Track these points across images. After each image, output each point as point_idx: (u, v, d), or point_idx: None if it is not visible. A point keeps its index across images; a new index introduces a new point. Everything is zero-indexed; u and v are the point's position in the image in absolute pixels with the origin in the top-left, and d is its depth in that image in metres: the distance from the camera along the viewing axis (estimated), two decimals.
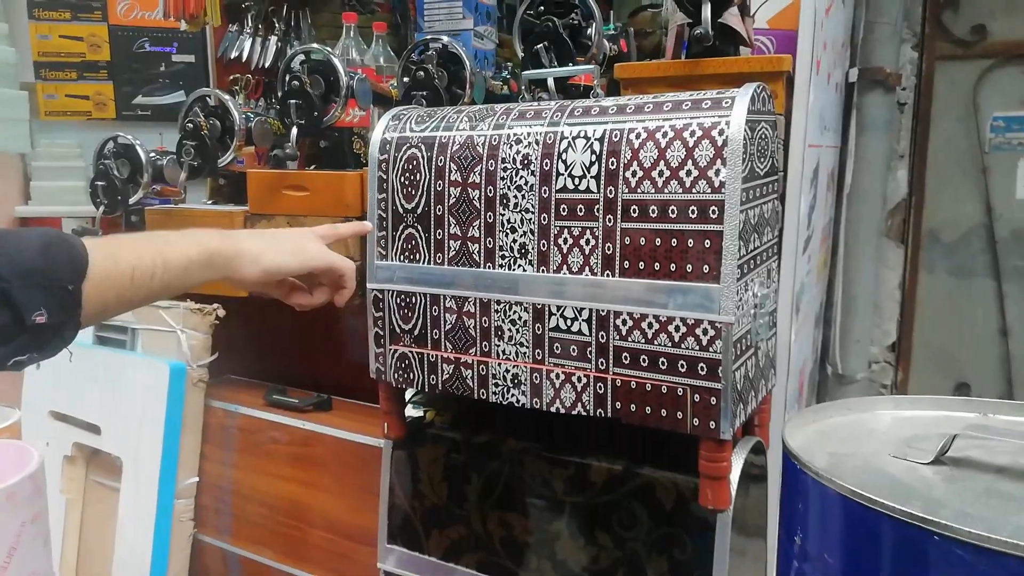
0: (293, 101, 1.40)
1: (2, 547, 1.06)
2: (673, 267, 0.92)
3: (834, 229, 1.89)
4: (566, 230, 0.99)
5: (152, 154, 1.64)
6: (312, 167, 1.48)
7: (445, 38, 1.42)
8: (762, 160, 0.97)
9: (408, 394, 1.30)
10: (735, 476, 0.99)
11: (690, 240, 0.91)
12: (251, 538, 1.53)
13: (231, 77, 1.98)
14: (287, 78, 1.40)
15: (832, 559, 0.40)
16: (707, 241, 0.90)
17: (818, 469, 0.42)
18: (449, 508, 1.22)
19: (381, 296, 1.18)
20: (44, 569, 1.16)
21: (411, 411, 1.29)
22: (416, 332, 1.15)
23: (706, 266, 0.90)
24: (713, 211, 0.89)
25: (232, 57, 2.01)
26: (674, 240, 0.92)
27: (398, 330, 1.17)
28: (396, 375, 1.18)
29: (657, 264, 0.93)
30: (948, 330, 1.96)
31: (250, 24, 2.00)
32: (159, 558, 1.51)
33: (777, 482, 1.25)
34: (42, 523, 1.15)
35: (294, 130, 1.41)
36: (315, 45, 1.45)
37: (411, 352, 1.16)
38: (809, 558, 0.41)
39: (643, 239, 0.94)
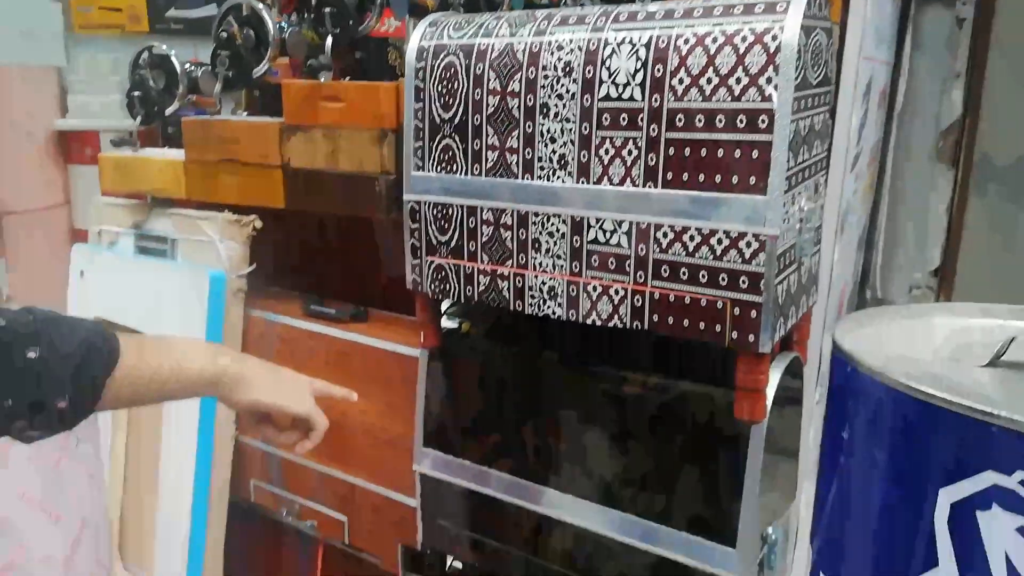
0: (328, 10, 1.37)
1: (56, 439, 1.11)
2: (719, 178, 0.90)
3: (882, 150, 1.83)
4: (608, 140, 0.97)
5: (187, 65, 1.63)
6: (347, 78, 1.45)
7: None
8: (815, 69, 0.94)
9: (444, 306, 1.31)
10: (771, 390, 0.99)
11: (737, 151, 0.88)
12: None
13: None
14: None
15: (881, 454, 0.40)
16: (755, 152, 0.87)
17: (871, 364, 0.42)
18: (483, 416, 1.24)
19: (417, 208, 1.17)
20: (94, 463, 1.21)
21: (447, 323, 1.31)
22: (453, 244, 1.15)
23: (753, 178, 0.88)
24: (763, 120, 0.86)
25: None
26: (720, 151, 0.89)
27: (434, 242, 1.17)
28: (432, 286, 1.19)
29: (702, 175, 0.91)
30: (995, 257, 1.90)
31: None
32: (203, 459, 1.57)
33: (812, 401, 1.25)
34: (91, 424, 1.20)
35: (329, 40, 1.39)
36: None
37: (447, 264, 1.16)
38: (856, 454, 0.41)
39: (688, 149, 0.91)
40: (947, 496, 0.37)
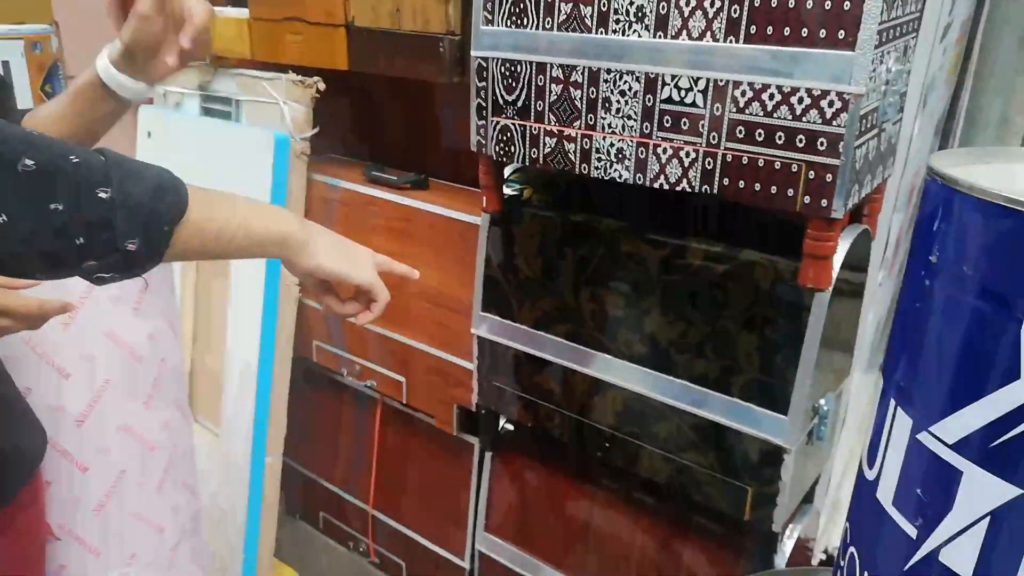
0: None
1: (136, 284, 1.16)
2: (805, 32, 0.86)
3: (971, 30, 1.72)
4: None
5: None
6: None
7: None
8: None
9: (506, 172, 1.31)
10: (839, 258, 0.98)
11: (827, 2, 0.84)
12: None
13: None
14: None
15: (971, 269, 0.40)
16: (846, 3, 0.83)
17: (969, 183, 0.41)
18: (542, 282, 1.26)
19: (485, 65, 1.15)
20: (170, 310, 1.27)
21: (508, 190, 1.31)
22: (519, 104, 1.14)
23: (842, 31, 0.84)
24: None
25: None
26: (810, 1, 0.85)
27: (501, 101, 1.16)
28: (497, 148, 1.19)
29: (788, 28, 0.87)
30: None
31: None
32: (269, 317, 1.63)
33: (875, 282, 1.24)
34: (166, 268, 1.25)
35: None
36: None
37: (513, 124, 1.15)
38: (943, 272, 0.41)
39: (774, 1, 0.87)
40: None
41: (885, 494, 0.48)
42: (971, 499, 0.43)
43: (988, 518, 0.43)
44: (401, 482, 1.73)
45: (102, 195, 0.62)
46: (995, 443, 0.41)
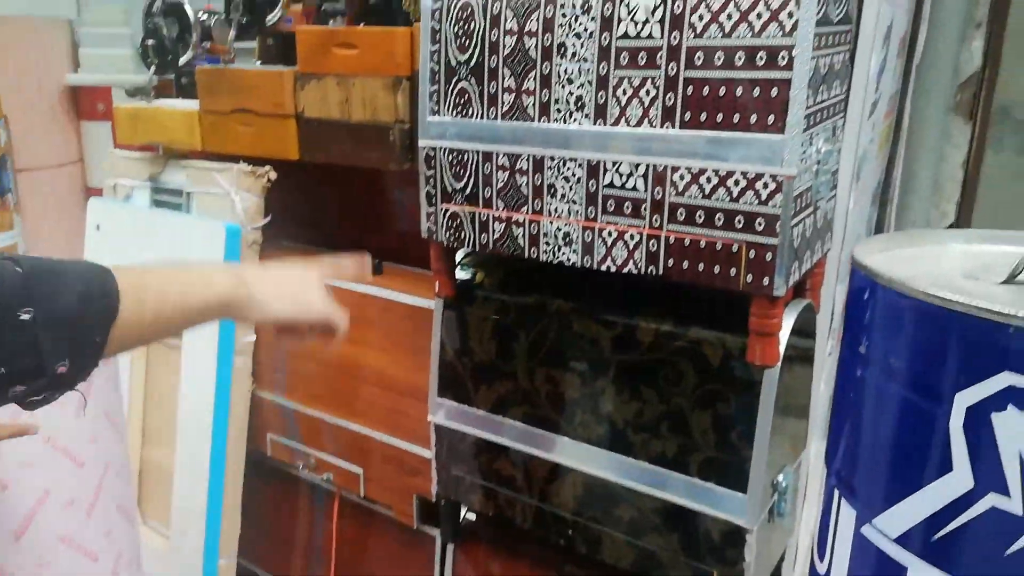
0: None
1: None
2: (737, 118, 0.89)
3: (900, 102, 1.80)
4: (626, 80, 0.96)
5: (200, 13, 1.62)
6: (361, 24, 1.44)
7: None
8: (837, 5, 0.92)
9: (458, 257, 1.32)
10: (785, 334, 1.00)
11: (756, 89, 0.88)
12: (306, 394, 1.60)
13: None
14: None
15: (899, 362, 0.40)
16: (774, 90, 0.87)
17: (890, 276, 0.42)
18: (497, 365, 1.25)
19: (433, 154, 1.17)
20: (115, 409, 1.23)
21: (460, 274, 1.31)
22: (468, 191, 1.15)
23: (771, 116, 0.87)
24: (783, 57, 0.85)
25: None
26: (739, 89, 0.88)
27: (450, 189, 1.17)
28: (447, 234, 1.19)
29: (720, 115, 0.90)
30: (1011, 212, 1.89)
31: None
32: (221, 411, 1.59)
33: (824, 351, 1.26)
34: (112, 368, 1.21)
35: None
36: None
37: (462, 211, 1.16)
38: (872, 363, 0.41)
39: (707, 88, 0.91)
40: (963, 400, 0.37)
41: None
42: None
43: None
44: None
45: (24, 316, 0.57)
46: (937, 536, 0.40)
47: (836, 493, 0.46)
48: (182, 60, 1.60)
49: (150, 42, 1.59)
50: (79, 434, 1.13)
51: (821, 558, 0.48)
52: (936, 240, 0.52)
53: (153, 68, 1.61)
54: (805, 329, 1.11)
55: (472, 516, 1.45)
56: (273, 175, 1.55)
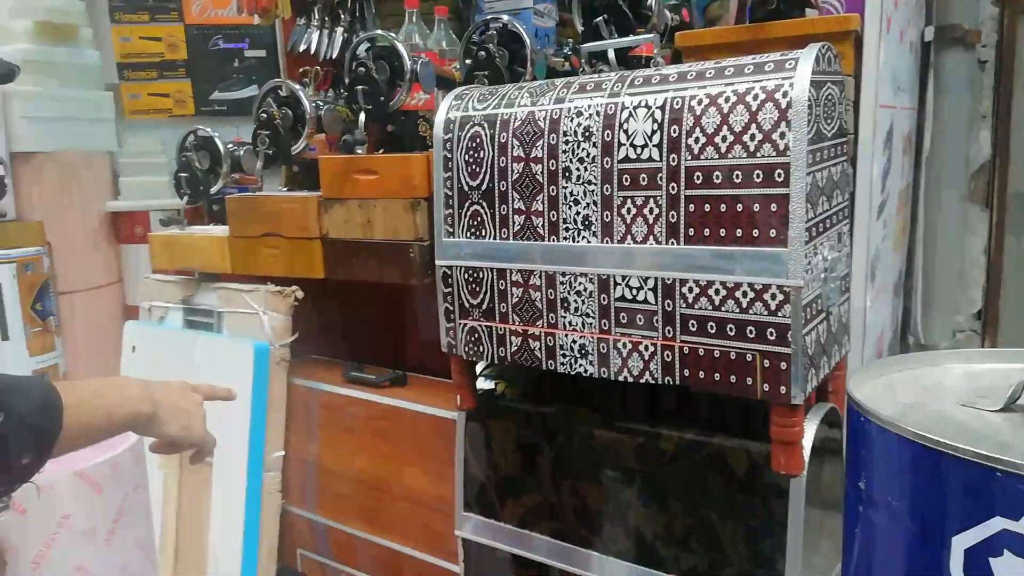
0: (360, 87, 1.44)
1: (109, 515, 1.14)
2: (739, 232, 0.92)
3: (913, 194, 1.82)
4: (629, 200, 1.00)
5: (230, 145, 1.71)
6: (381, 151, 1.52)
7: (505, 17, 1.43)
8: (829, 122, 0.96)
9: (479, 367, 1.34)
10: (808, 441, 0.99)
11: (756, 205, 0.90)
12: (335, 509, 1.60)
13: (300, 70, 2.04)
14: (353, 65, 1.44)
15: (897, 502, 0.40)
16: (773, 205, 0.89)
17: (882, 416, 0.43)
18: (522, 478, 1.24)
19: (450, 272, 1.21)
20: (146, 536, 1.24)
21: (483, 383, 1.33)
22: (484, 306, 1.18)
23: (773, 230, 0.89)
24: (779, 174, 0.88)
25: (301, 50, 2.07)
26: (739, 205, 0.91)
27: (467, 305, 1.20)
28: (466, 348, 1.22)
29: (723, 230, 0.93)
30: None
31: (317, 17, 2.06)
32: (251, 527, 1.59)
33: None
34: (143, 494, 1.23)
35: (362, 116, 1.46)
36: (379, 32, 1.48)
37: (480, 326, 1.19)
38: (874, 503, 0.41)
39: (708, 205, 0.94)
40: (960, 543, 0.37)
41: None
42: None
43: None
44: None
45: None
46: None
47: None
48: (213, 189, 1.69)
49: (183, 175, 1.68)
50: (111, 563, 1.14)
51: None
52: (933, 362, 0.53)
53: (186, 199, 1.69)
54: (831, 434, 1.10)
55: None
56: (300, 294, 1.60)
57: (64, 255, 2.44)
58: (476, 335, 1.20)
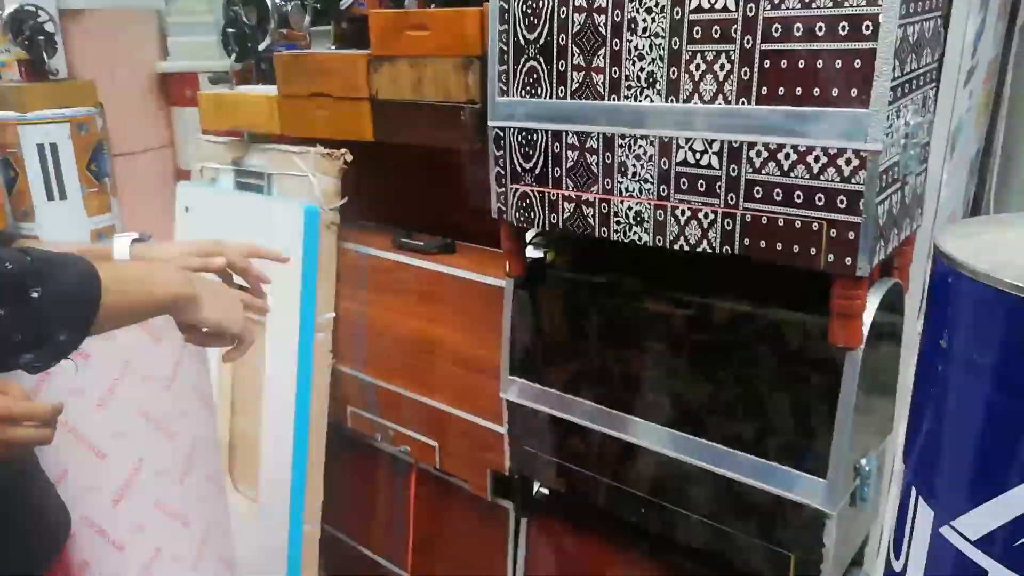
0: None
1: (168, 362, 1.19)
2: (817, 91, 0.85)
3: (1001, 68, 1.68)
4: (699, 55, 0.93)
5: (278, 1, 1.65)
6: (432, 5, 1.44)
7: None
8: None
9: (529, 235, 1.32)
10: (869, 315, 0.96)
11: (838, 60, 0.83)
12: (384, 369, 1.64)
13: None
14: None
15: (983, 358, 0.38)
16: (857, 61, 0.82)
17: (974, 265, 0.39)
18: (568, 345, 1.25)
19: (502, 134, 1.17)
20: (204, 385, 1.29)
21: (532, 252, 1.31)
22: (537, 171, 1.14)
23: (855, 89, 0.83)
24: (867, 26, 0.81)
25: None
26: (820, 61, 0.84)
27: (519, 169, 1.17)
28: (517, 214, 1.19)
29: (799, 89, 0.87)
30: None
31: None
32: (303, 384, 1.64)
33: (913, 331, 1.20)
34: (199, 348, 1.27)
35: None
36: None
37: (532, 191, 1.16)
38: (955, 358, 0.39)
39: (785, 61, 0.87)
40: None
41: None
42: None
43: None
44: (439, 547, 1.70)
45: (34, 295, 0.69)
46: (1021, 541, 0.38)
47: (914, 491, 0.43)
48: (261, 46, 1.64)
49: (231, 30, 1.63)
50: (171, 408, 1.19)
51: (897, 556, 0.46)
52: (1020, 223, 0.49)
53: (234, 56, 1.65)
54: (892, 310, 1.06)
55: (545, 491, 1.47)
56: (349, 157, 1.58)
57: (116, 116, 2.44)
58: (528, 201, 1.17)
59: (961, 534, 0.41)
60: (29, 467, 1.00)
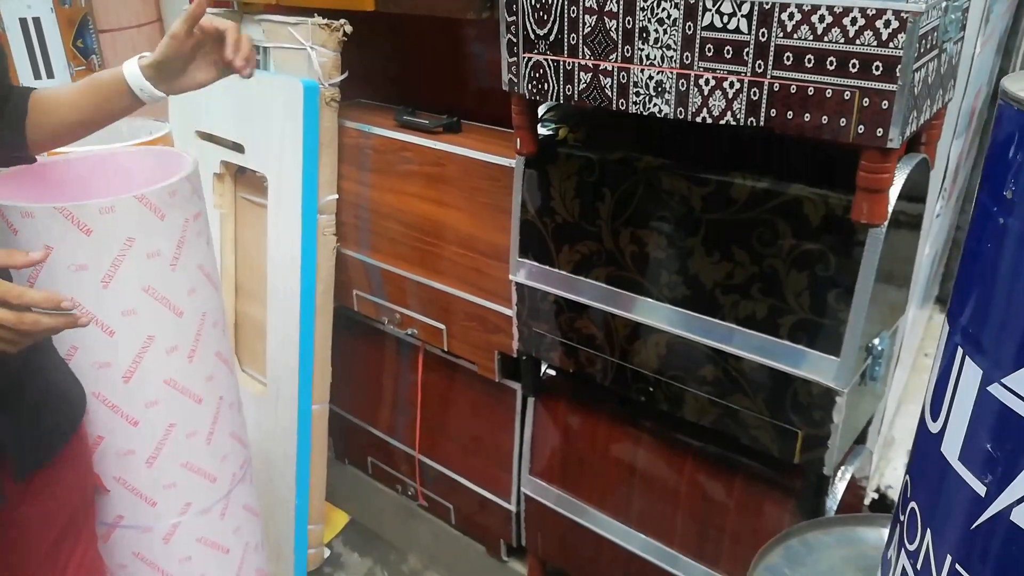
0: None
1: (172, 240, 1.16)
2: None
3: None
4: None
5: None
6: None
7: None
8: None
9: (540, 111, 1.26)
10: (895, 191, 0.93)
11: None
12: (389, 252, 1.62)
13: None
14: None
15: None
16: None
17: None
18: (581, 225, 1.22)
19: None
20: (208, 263, 1.27)
21: (543, 130, 1.26)
22: (552, 38, 1.08)
23: None
24: None
25: None
26: None
27: (532, 36, 1.10)
28: (530, 86, 1.14)
29: None
30: None
31: None
32: (308, 267, 1.63)
33: (932, 212, 1.17)
34: (202, 222, 1.24)
35: None
36: None
37: (546, 60, 1.10)
38: (1020, 210, 0.37)
39: None
40: None
41: (951, 449, 0.45)
42: None
43: None
44: (446, 427, 1.74)
45: None
46: None
47: (960, 351, 0.42)
48: None
49: None
50: (177, 285, 1.17)
51: (935, 417, 0.45)
52: None
53: None
54: (917, 187, 1.03)
55: (552, 372, 1.48)
56: (348, 28, 1.50)
57: None
58: (541, 71, 1.11)
59: (1012, 391, 0.40)
60: (43, 349, 0.99)
